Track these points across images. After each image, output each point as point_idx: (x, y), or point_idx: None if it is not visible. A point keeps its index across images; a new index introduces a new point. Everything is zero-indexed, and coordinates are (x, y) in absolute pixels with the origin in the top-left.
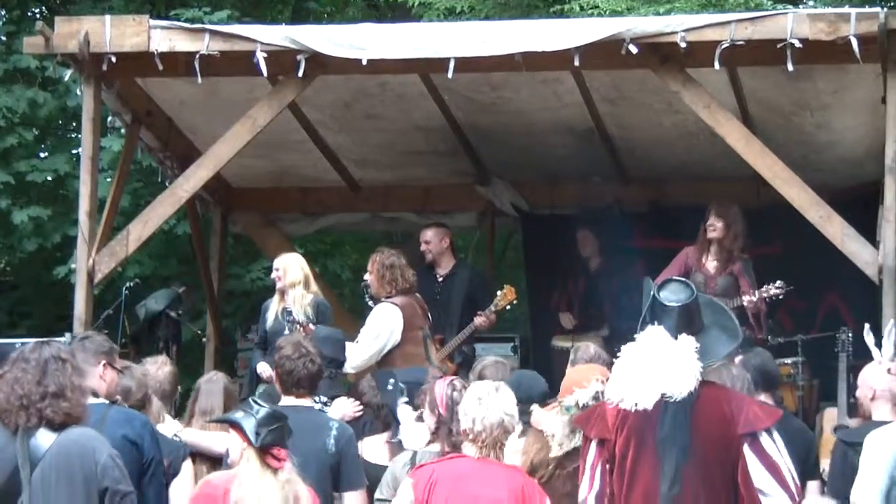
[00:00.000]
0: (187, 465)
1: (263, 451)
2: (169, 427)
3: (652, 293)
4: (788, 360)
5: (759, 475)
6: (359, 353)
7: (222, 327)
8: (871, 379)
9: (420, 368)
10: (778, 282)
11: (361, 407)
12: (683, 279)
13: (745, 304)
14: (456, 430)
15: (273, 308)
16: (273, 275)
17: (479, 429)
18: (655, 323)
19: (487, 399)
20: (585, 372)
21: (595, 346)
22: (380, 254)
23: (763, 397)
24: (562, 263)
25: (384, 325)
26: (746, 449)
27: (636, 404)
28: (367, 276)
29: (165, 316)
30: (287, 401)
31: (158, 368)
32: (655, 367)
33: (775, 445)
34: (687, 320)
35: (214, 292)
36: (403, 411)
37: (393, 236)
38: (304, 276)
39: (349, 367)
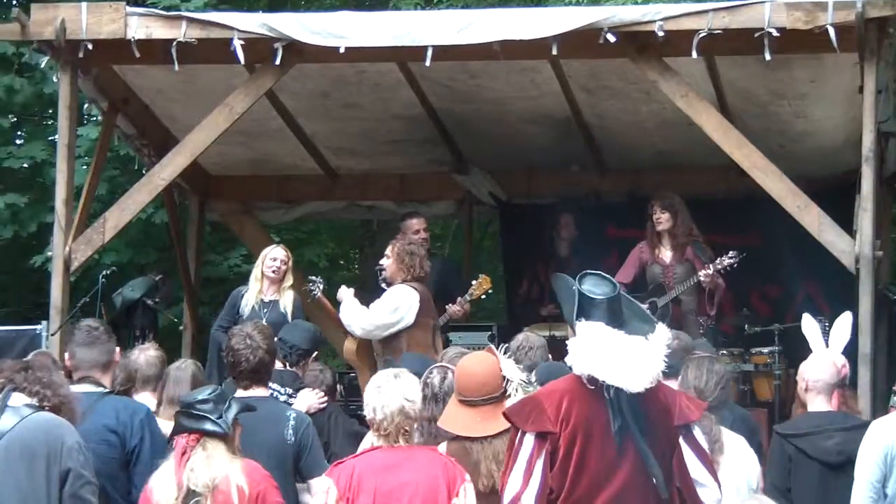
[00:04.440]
0: None
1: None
2: None
3: (575, 288)
4: (765, 350)
5: (694, 466)
6: (369, 318)
7: (199, 315)
8: (804, 370)
9: (423, 357)
10: (730, 252)
11: (326, 398)
12: (599, 273)
13: (701, 279)
14: (426, 416)
15: (251, 298)
16: (275, 264)
17: (380, 417)
18: (583, 318)
19: (386, 386)
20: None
21: (523, 334)
22: (400, 240)
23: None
24: (537, 252)
25: (402, 303)
26: (682, 441)
27: (622, 387)
28: (383, 261)
29: (142, 304)
30: (239, 393)
31: (141, 353)
32: (633, 354)
33: (702, 437)
34: (615, 313)
35: (191, 280)
36: None
37: (370, 224)
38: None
39: (358, 329)
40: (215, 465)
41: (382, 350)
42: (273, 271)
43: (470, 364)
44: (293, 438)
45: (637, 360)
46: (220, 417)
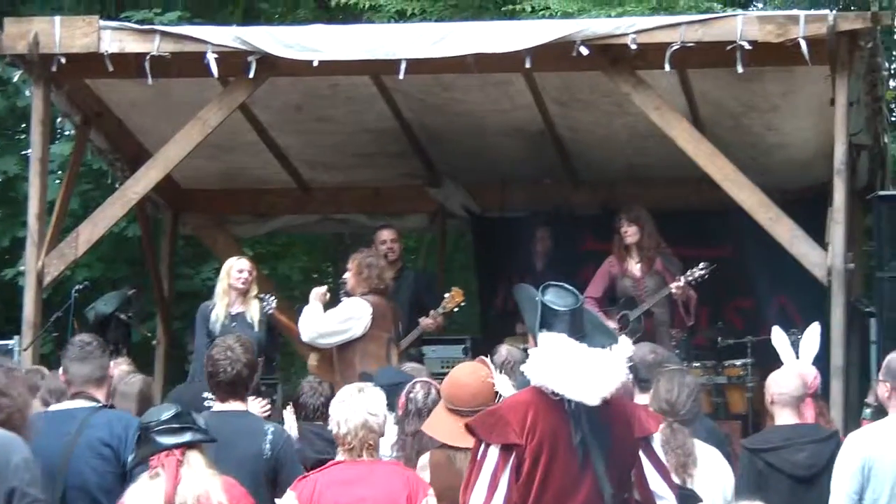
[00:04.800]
0: None
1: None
2: None
3: (538, 299)
4: (738, 362)
5: (653, 478)
6: (316, 326)
7: (172, 329)
8: (769, 383)
9: (397, 371)
10: (701, 263)
11: (269, 407)
12: (562, 284)
13: (673, 291)
14: (409, 431)
15: (220, 312)
16: (243, 276)
17: (343, 431)
18: (545, 329)
19: (350, 400)
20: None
21: (506, 348)
22: (360, 253)
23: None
24: (511, 265)
25: (351, 315)
26: (641, 453)
27: (580, 401)
28: (345, 275)
29: (115, 318)
30: (216, 406)
31: (114, 368)
32: (594, 366)
33: (659, 449)
34: (577, 324)
35: (164, 294)
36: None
37: (343, 238)
38: None
39: (304, 335)
40: (199, 480)
41: (339, 363)
42: (242, 283)
43: (463, 374)
44: (270, 453)
45: (595, 373)
46: (198, 425)
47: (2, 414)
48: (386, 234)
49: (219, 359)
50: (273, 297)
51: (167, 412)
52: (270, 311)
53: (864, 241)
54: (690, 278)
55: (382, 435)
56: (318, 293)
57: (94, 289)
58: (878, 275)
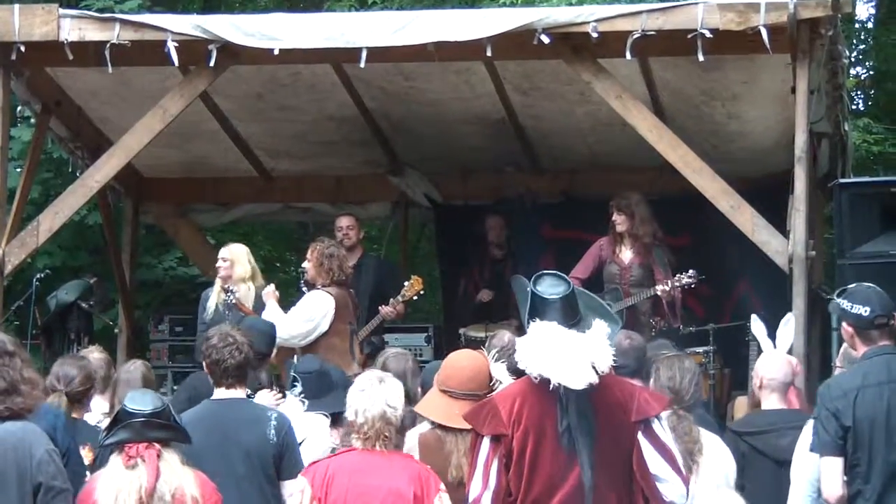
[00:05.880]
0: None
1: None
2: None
3: (529, 289)
4: (700, 349)
5: (654, 461)
6: (286, 329)
7: (134, 318)
8: (759, 368)
9: (313, 358)
10: (690, 271)
11: (282, 398)
12: (556, 273)
13: (659, 293)
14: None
15: (214, 299)
16: (219, 264)
17: (360, 420)
18: (537, 319)
19: (370, 390)
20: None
21: (510, 334)
22: (320, 243)
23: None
24: (473, 253)
25: (316, 311)
26: (640, 436)
27: (565, 384)
28: (305, 264)
29: (77, 307)
30: (218, 393)
31: (91, 355)
32: (579, 351)
33: (665, 431)
34: (569, 312)
35: (126, 283)
36: (290, 404)
37: (306, 227)
38: (252, 269)
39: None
40: (175, 475)
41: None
42: (222, 270)
43: (460, 358)
44: (276, 438)
45: (579, 357)
46: (180, 424)
47: (18, 400)
48: (344, 221)
49: (221, 346)
50: (235, 290)
51: (153, 405)
52: (233, 301)
53: (826, 228)
54: (678, 284)
55: (399, 427)
56: (269, 293)
57: (56, 277)
58: (840, 262)
